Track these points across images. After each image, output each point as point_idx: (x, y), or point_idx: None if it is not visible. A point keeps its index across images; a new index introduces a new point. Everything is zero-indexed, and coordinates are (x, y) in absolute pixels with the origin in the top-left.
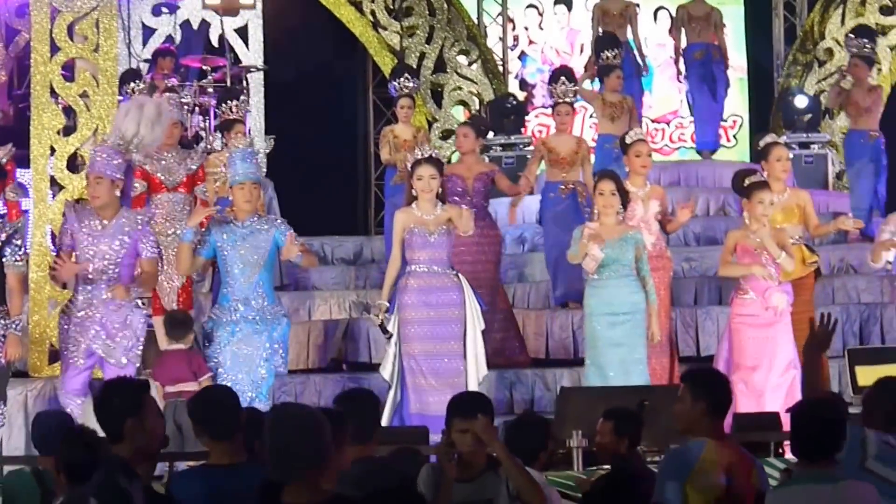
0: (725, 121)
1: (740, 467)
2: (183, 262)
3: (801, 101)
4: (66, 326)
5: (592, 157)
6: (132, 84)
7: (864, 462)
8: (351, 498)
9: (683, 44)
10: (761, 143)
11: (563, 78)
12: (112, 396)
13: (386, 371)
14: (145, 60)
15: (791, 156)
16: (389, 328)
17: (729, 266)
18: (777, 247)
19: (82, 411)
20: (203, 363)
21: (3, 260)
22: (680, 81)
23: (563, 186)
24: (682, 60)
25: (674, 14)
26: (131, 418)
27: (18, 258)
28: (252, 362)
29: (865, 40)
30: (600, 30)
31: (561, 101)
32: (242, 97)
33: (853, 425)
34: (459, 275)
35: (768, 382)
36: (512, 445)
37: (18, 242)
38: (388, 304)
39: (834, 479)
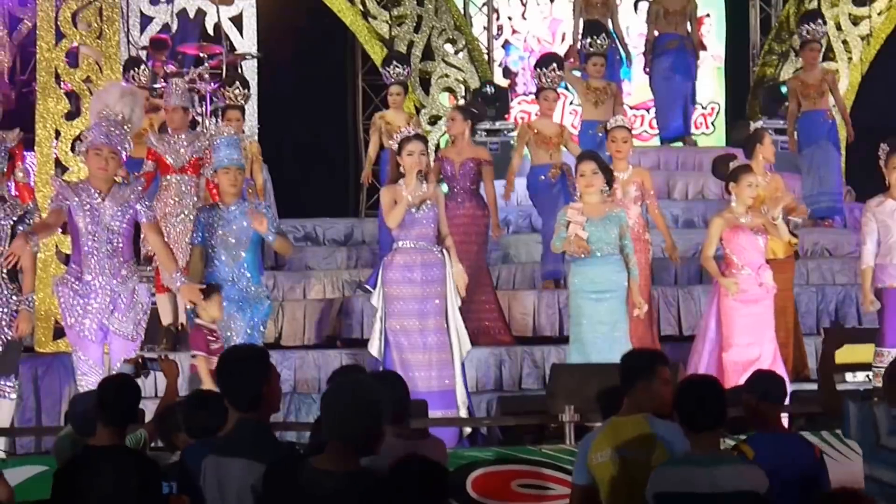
0: (705, 108)
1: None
2: (194, 268)
3: (783, 89)
4: (69, 300)
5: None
6: (132, 71)
7: (879, 441)
8: (376, 473)
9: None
10: (752, 129)
11: (554, 64)
12: (243, 364)
13: (374, 348)
14: (143, 48)
15: None
16: (373, 302)
17: (710, 262)
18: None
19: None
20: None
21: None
22: (646, 73)
23: (552, 169)
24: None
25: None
26: (262, 383)
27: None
28: (230, 343)
29: (813, 24)
30: (581, 20)
31: (547, 86)
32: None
33: (862, 407)
34: (444, 251)
35: (762, 355)
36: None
37: (30, 223)
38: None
39: (714, 462)
